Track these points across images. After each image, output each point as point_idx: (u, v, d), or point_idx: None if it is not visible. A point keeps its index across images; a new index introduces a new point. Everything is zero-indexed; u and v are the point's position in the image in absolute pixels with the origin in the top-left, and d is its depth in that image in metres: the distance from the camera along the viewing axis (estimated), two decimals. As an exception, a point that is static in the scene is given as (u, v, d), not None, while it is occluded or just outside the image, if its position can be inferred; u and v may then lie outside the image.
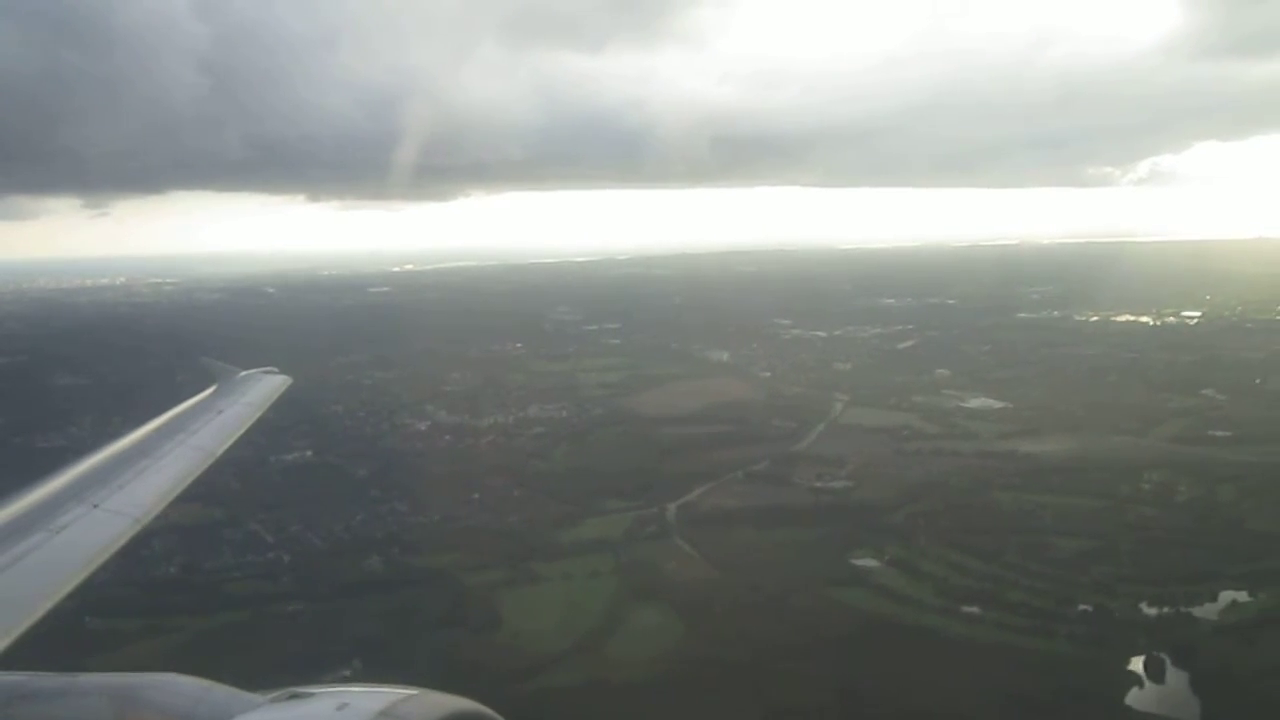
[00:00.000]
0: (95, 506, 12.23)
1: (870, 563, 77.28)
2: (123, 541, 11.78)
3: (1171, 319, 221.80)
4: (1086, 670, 58.69)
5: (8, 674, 8.10)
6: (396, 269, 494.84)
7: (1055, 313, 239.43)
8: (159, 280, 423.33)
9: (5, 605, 9.54)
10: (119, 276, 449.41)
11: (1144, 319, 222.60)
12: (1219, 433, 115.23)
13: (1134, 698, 56.31)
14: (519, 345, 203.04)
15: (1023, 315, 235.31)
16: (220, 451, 15.65)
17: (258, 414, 18.27)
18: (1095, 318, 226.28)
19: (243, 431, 17.17)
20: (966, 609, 68.24)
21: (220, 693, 7.35)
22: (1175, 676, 58.35)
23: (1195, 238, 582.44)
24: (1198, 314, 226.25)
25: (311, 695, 6.98)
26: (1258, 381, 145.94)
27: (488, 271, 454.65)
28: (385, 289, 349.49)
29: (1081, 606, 67.73)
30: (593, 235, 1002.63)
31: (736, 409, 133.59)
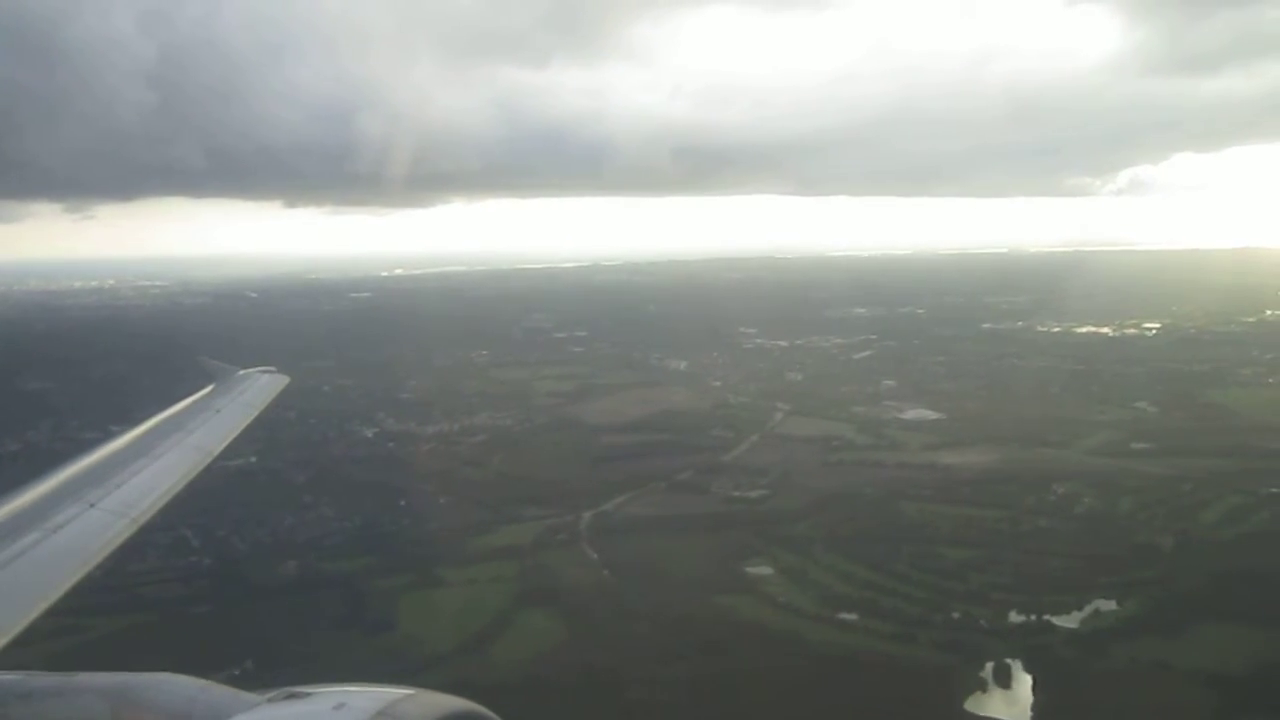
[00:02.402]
0: (92, 506, 12.07)
1: (764, 570, 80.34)
2: (120, 541, 11.65)
3: (1131, 330, 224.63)
4: (936, 675, 61.79)
5: (4, 673, 8.05)
6: (385, 273, 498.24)
7: (1019, 323, 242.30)
8: (147, 283, 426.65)
9: (1, 605, 9.51)
10: (108, 279, 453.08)
11: (1104, 330, 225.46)
12: (1140, 445, 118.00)
13: (974, 702, 59.37)
14: (485, 352, 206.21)
15: (987, 326, 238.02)
16: (218, 451, 15.60)
17: (255, 413, 18.24)
18: (1057, 329, 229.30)
19: (240, 431, 17.13)
20: (843, 616, 71.35)
21: (217, 692, 7.37)
22: (1020, 682, 61.42)
23: (1182, 247, 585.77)
24: (1158, 325, 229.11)
25: (309, 695, 7.01)
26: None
27: (474, 277, 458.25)
28: (367, 294, 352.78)
29: (953, 614, 70.81)
30: (585, 241, 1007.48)
31: (678, 418, 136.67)
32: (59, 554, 10.76)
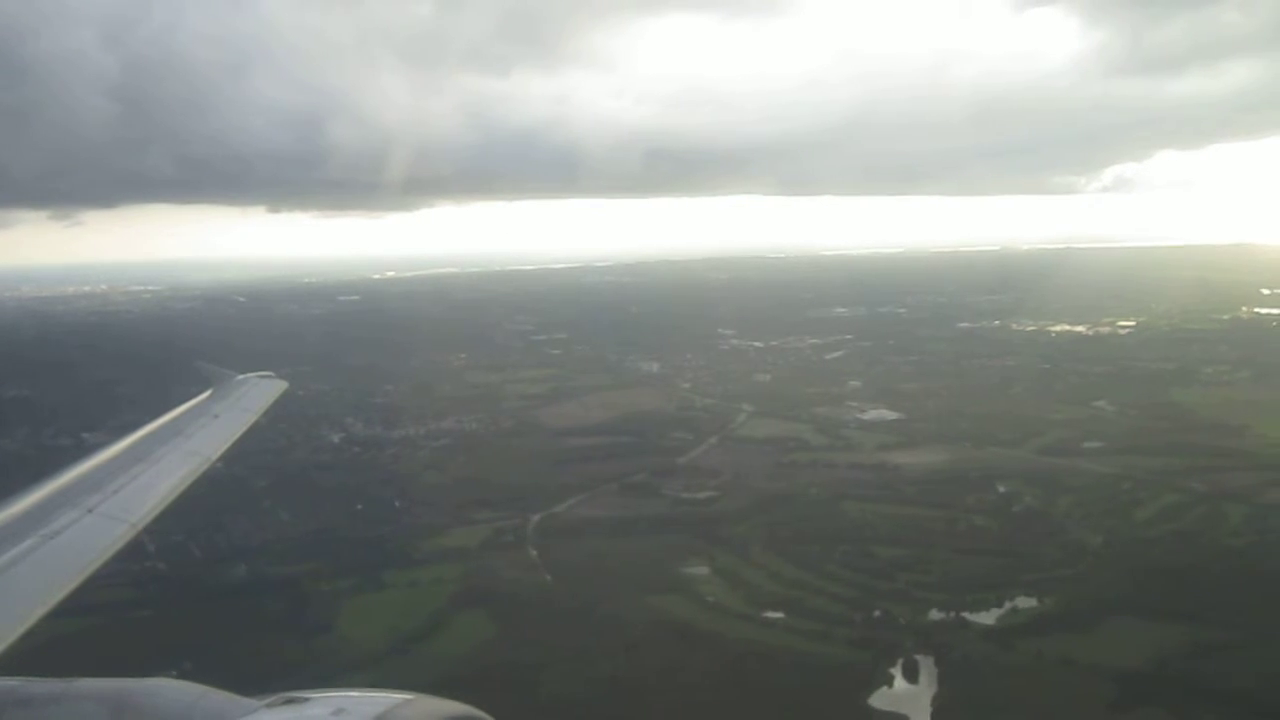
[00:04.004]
0: (90, 511, 12.04)
1: (700, 570, 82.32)
2: (118, 547, 11.63)
3: (1106, 329, 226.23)
4: (847, 672, 63.77)
5: (2, 679, 8.05)
6: (377, 276, 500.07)
7: (996, 322, 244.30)
8: (139, 288, 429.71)
9: None
10: (100, 284, 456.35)
11: (1079, 328, 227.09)
12: (1091, 444, 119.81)
13: (880, 696, 61.37)
14: (463, 356, 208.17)
15: (963, 325, 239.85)
16: (216, 456, 15.61)
17: (254, 419, 18.21)
18: (1032, 327, 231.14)
19: (238, 436, 17.12)
20: (768, 614, 73.33)
21: (216, 698, 7.42)
22: (927, 677, 63.41)
23: (1171, 243, 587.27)
24: (1133, 323, 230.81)
25: (308, 700, 7.03)
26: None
27: (465, 279, 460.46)
28: (355, 297, 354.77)
29: (874, 612, 72.76)
30: (578, 242, 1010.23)
31: (641, 421, 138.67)
32: (57, 559, 10.78)
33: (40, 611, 9.73)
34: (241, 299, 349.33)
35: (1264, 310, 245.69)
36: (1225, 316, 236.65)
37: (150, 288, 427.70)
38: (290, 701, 7.00)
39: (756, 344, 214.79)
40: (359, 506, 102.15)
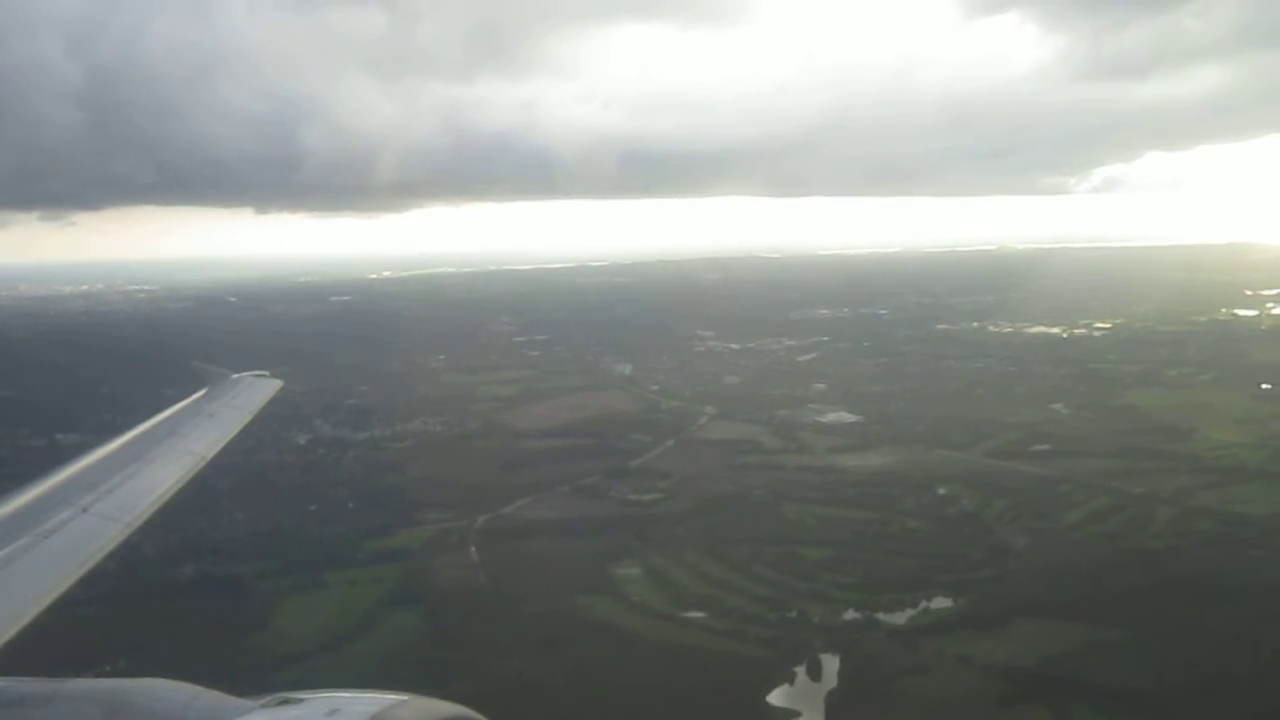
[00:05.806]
0: (84, 510, 12.09)
1: (631, 571, 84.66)
2: (112, 546, 11.67)
3: (1081, 331, 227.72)
4: (751, 669, 66.16)
5: None
6: (373, 275, 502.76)
7: (974, 324, 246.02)
8: (135, 288, 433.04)
9: None
10: (97, 283, 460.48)
11: (1054, 330, 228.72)
12: (1039, 447, 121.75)
13: (779, 693, 63.74)
14: (442, 357, 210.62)
15: (941, 327, 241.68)
16: (211, 455, 15.83)
17: (248, 418, 18.63)
18: (1008, 329, 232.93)
19: (233, 435, 17.54)
20: (688, 614, 75.63)
21: (209, 698, 7.52)
22: (828, 676, 65.74)
23: (1166, 242, 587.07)
24: (1109, 325, 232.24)
25: (302, 700, 7.08)
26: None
27: (459, 279, 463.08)
28: (346, 297, 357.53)
29: (789, 612, 75.12)
30: (576, 242, 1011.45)
31: (604, 423, 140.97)
32: (52, 558, 10.84)
33: (35, 610, 9.90)
34: (233, 299, 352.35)
35: (1242, 311, 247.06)
36: (1202, 318, 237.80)
37: (145, 287, 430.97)
38: (285, 702, 7.14)
39: (733, 346, 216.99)
40: (312, 507, 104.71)
